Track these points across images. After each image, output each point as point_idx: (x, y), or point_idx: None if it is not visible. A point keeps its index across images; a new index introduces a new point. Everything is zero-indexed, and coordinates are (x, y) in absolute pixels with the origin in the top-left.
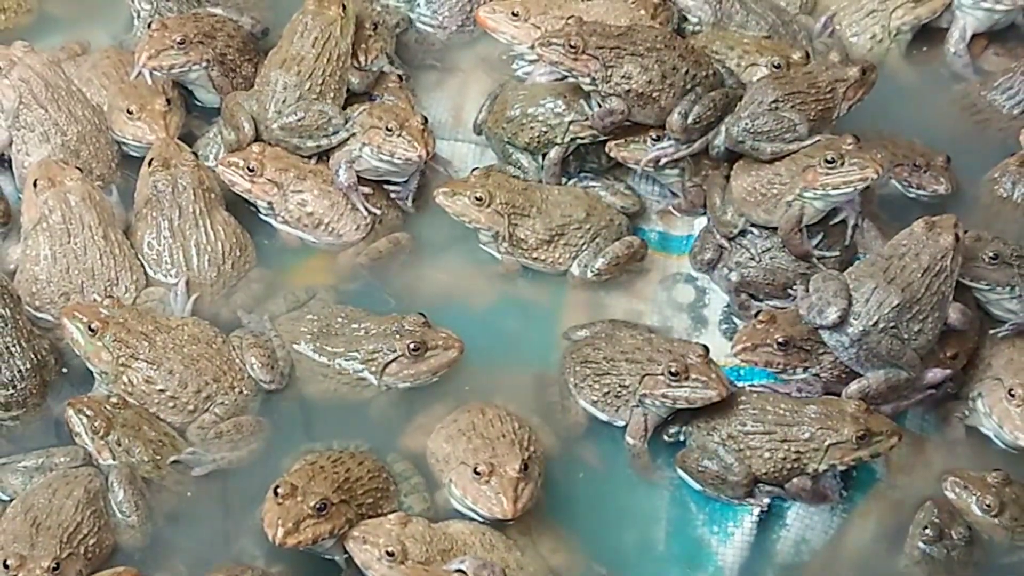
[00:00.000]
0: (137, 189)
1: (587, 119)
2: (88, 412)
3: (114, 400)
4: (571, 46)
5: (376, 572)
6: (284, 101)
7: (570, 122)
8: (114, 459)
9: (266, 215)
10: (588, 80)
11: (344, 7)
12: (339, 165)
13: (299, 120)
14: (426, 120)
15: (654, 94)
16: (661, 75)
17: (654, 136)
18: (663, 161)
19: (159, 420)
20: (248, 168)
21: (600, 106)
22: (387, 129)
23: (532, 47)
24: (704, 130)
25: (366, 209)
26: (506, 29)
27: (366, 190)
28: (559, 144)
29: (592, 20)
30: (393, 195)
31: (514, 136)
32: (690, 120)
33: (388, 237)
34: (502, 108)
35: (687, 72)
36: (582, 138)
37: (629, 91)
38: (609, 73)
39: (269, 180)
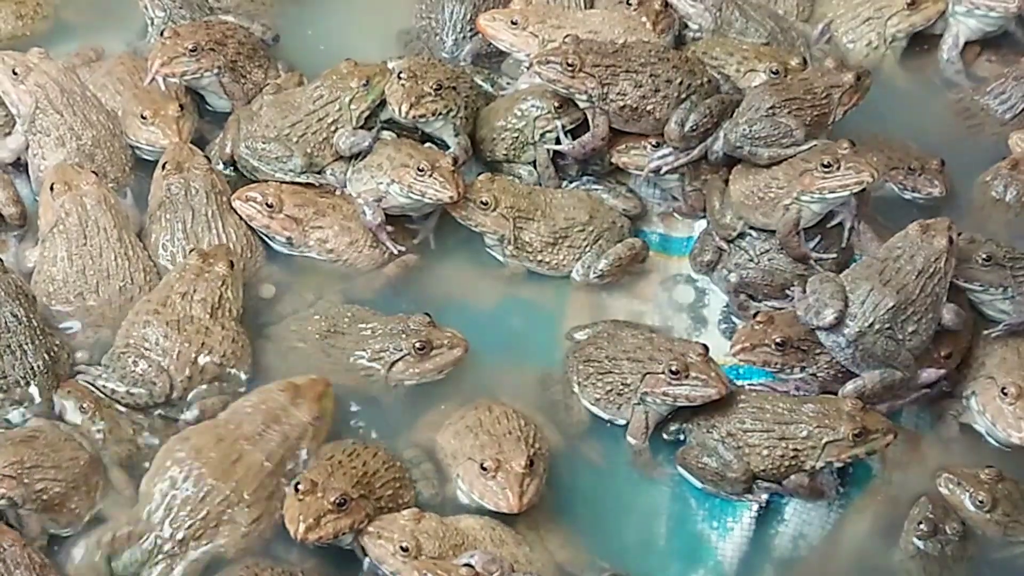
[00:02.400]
0: (151, 192)
1: (550, 113)
2: (77, 394)
3: None
4: (568, 64)
5: (390, 567)
6: (258, 132)
7: (535, 119)
8: (103, 441)
9: (283, 247)
10: (584, 97)
11: (367, 83)
12: (366, 204)
13: (263, 148)
14: (456, 160)
15: (648, 107)
16: (654, 88)
17: (654, 143)
18: (664, 169)
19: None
20: (267, 204)
21: (570, 138)
22: (419, 169)
23: (529, 66)
24: (702, 137)
25: (394, 247)
26: (505, 37)
27: (390, 228)
28: (533, 143)
29: (589, 30)
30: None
31: (493, 153)
32: (687, 128)
33: (396, 262)
34: (480, 135)
35: (681, 83)
36: (550, 131)
37: (624, 107)
38: (605, 91)
39: (288, 216)
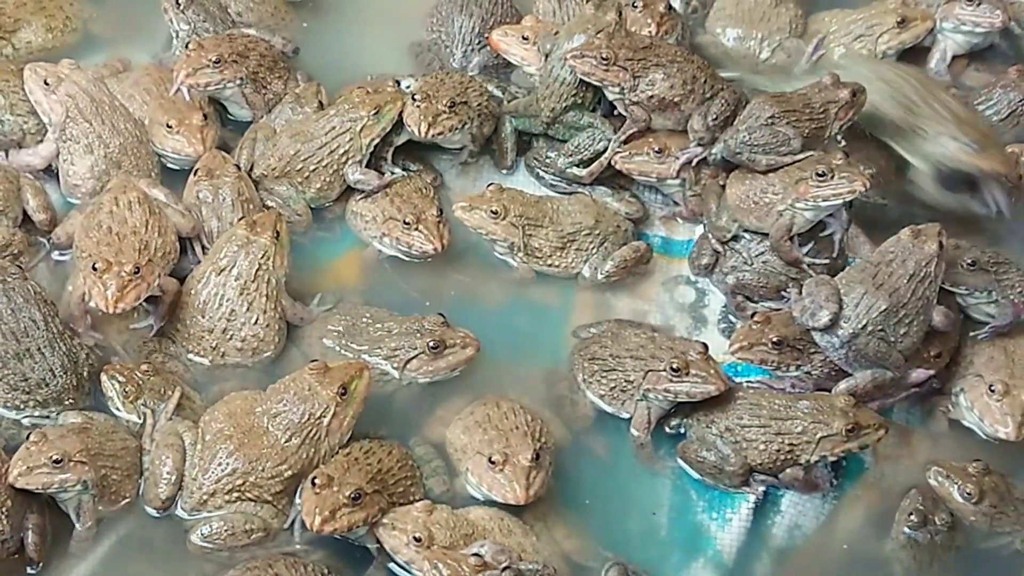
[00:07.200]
0: (183, 197)
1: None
2: (120, 378)
3: (144, 368)
4: (603, 59)
5: (404, 556)
6: (271, 165)
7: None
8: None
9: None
10: (617, 89)
11: (377, 111)
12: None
13: (272, 187)
14: (441, 211)
15: (675, 99)
16: (683, 82)
17: (656, 148)
18: (694, 162)
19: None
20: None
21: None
22: (405, 222)
23: (564, 59)
24: (723, 125)
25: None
26: (516, 51)
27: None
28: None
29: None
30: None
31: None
32: (710, 119)
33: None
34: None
35: (705, 82)
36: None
37: (652, 97)
38: (636, 83)
39: None
